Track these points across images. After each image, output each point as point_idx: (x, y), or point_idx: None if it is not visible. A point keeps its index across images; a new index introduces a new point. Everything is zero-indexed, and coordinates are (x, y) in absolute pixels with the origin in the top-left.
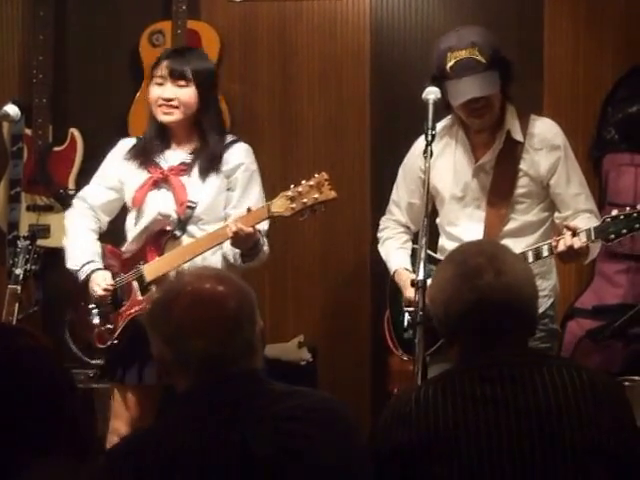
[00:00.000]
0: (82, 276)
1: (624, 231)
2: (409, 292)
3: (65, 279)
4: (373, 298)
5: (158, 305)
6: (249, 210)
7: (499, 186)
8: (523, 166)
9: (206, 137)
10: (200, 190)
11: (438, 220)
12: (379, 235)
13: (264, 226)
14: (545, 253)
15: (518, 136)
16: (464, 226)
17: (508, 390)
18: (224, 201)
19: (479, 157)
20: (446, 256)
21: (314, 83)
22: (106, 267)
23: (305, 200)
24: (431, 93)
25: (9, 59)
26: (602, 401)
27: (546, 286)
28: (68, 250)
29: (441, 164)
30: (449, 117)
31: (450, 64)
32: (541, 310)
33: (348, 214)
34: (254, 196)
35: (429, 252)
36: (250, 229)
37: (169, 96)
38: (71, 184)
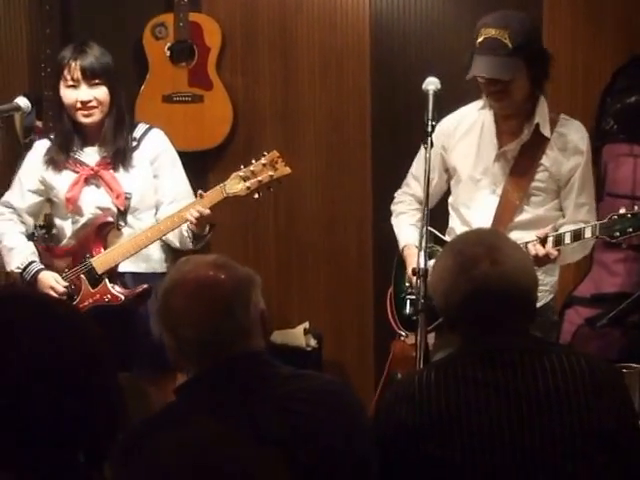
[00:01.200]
0: (27, 277)
1: (630, 230)
2: (410, 268)
3: None
4: (376, 284)
5: (160, 294)
6: (201, 195)
7: (518, 175)
8: (545, 161)
9: (119, 131)
10: (130, 181)
11: (451, 200)
12: (393, 208)
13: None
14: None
15: (546, 132)
16: (476, 209)
17: (508, 375)
18: (153, 188)
19: (503, 144)
20: (446, 245)
21: (315, 74)
22: (46, 266)
23: (260, 178)
24: (431, 84)
25: (18, 53)
26: (601, 387)
27: (548, 281)
28: (4, 254)
29: (465, 144)
30: (482, 99)
31: (480, 39)
32: (542, 303)
33: (350, 203)
34: (180, 178)
35: (437, 233)
36: (209, 211)
37: (87, 98)
38: None
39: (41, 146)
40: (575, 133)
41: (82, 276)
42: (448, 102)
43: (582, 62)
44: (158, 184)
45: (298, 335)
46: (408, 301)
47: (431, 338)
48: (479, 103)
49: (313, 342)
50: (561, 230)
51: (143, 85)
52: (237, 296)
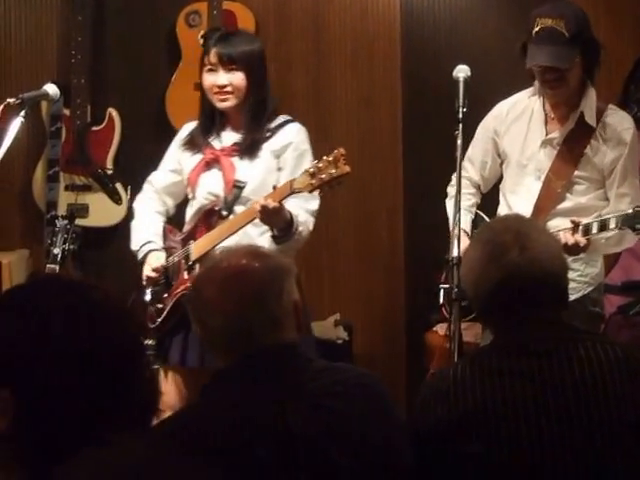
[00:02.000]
0: (140, 256)
1: None
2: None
3: (104, 259)
4: (408, 275)
5: (193, 283)
6: (274, 187)
7: (561, 163)
8: (589, 151)
9: (254, 118)
10: (249, 170)
11: (501, 185)
12: (448, 190)
13: (312, 206)
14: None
15: (591, 120)
16: (520, 195)
17: (544, 364)
18: (274, 181)
19: (550, 131)
20: (475, 234)
21: (346, 61)
22: (167, 248)
23: (323, 176)
24: (461, 71)
25: (48, 40)
26: (636, 376)
27: (589, 272)
28: (132, 232)
29: (515, 129)
30: (533, 86)
31: (536, 29)
32: (579, 295)
33: (381, 191)
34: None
35: (486, 218)
36: (276, 203)
37: (222, 82)
38: (109, 164)
39: (187, 127)
40: (620, 124)
41: (182, 261)
42: (478, 90)
43: (603, 51)
44: (281, 177)
45: (328, 327)
46: (442, 290)
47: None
48: (531, 90)
49: (344, 334)
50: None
51: (175, 73)
52: (269, 285)
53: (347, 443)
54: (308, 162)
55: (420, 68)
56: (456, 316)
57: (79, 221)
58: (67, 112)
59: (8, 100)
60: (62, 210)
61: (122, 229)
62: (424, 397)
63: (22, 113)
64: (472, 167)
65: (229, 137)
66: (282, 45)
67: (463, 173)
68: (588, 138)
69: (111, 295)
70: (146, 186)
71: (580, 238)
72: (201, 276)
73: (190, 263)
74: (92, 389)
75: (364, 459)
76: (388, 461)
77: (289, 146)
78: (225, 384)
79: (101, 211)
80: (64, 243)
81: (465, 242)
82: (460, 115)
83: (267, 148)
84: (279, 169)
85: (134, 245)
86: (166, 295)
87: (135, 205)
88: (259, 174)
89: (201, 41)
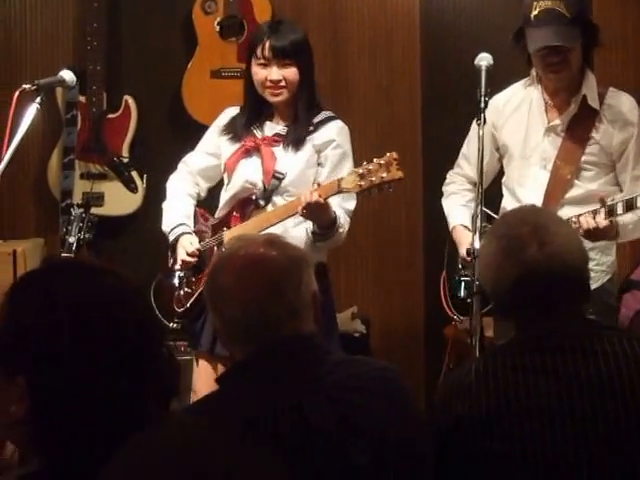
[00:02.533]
0: (171, 238)
1: None
2: (462, 248)
3: (119, 247)
4: (427, 268)
5: (211, 270)
6: (319, 185)
7: (568, 150)
8: (595, 134)
9: (300, 111)
10: (290, 161)
11: (504, 179)
12: (444, 189)
13: (350, 205)
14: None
15: (594, 103)
16: (528, 186)
17: (568, 360)
18: (313, 175)
19: (552, 118)
20: (490, 228)
21: (364, 49)
22: (197, 232)
23: (373, 179)
24: (483, 59)
25: (64, 26)
26: None
27: (605, 261)
28: (163, 213)
29: (514, 121)
30: (530, 76)
31: (535, 13)
32: (597, 285)
33: (400, 183)
34: (342, 173)
35: (490, 213)
36: (320, 199)
37: (277, 78)
38: (125, 152)
39: (228, 112)
40: (624, 105)
41: (215, 248)
42: (499, 78)
43: (632, 35)
44: (319, 173)
45: (345, 320)
46: (463, 283)
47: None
48: (527, 80)
49: (361, 327)
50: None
51: (191, 60)
52: (287, 275)
53: (365, 437)
54: (349, 162)
55: (440, 57)
56: (477, 310)
57: (94, 210)
58: (83, 99)
59: (24, 86)
60: (77, 199)
61: (138, 218)
62: (444, 393)
63: (38, 99)
64: (468, 164)
65: (272, 128)
66: None
67: (458, 170)
68: (593, 121)
69: (124, 278)
70: (181, 166)
71: (602, 220)
72: (218, 264)
73: (223, 250)
74: (107, 374)
75: (382, 454)
76: (407, 457)
77: (331, 143)
78: (242, 375)
79: (117, 200)
80: (79, 232)
81: (467, 237)
82: (482, 104)
83: (310, 142)
84: (319, 164)
85: (165, 226)
86: (195, 280)
87: (168, 185)
88: (299, 166)
89: (217, 28)
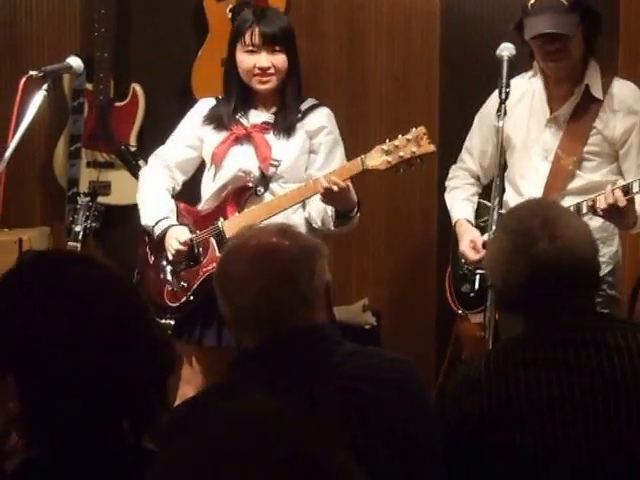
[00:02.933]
0: (157, 232)
1: None
2: (464, 244)
3: (126, 237)
4: (440, 260)
5: (220, 258)
6: (344, 167)
7: (570, 140)
8: (598, 124)
9: (288, 99)
10: (284, 148)
11: (506, 173)
12: (447, 183)
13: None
14: (584, 210)
15: (597, 93)
16: (529, 179)
17: (581, 354)
18: (306, 162)
19: (555, 109)
20: (499, 223)
21: (382, 39)
22: (181, 225)
23: (402, 154)
24: (506, 50)
25: (70, 13)
26: None
27: (606, 252)
28: (142, 207)
29: (517, 112)
30: (532, 68)
31: (532, 1)
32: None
33: (414, 174)
34: (338, 160)
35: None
36: (344, 183)
37: (266, 65)
38: (132, 140)
39: (205, 103)
40: (628, 93)
41: (212, 239)
42: (521, 70)
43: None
44: (315, 160)
45: (356, 312)
46: (478, 276)
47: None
48: (529, 73)
49: (372, 320)
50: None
51: (202, 48)
52: (300, 265)
53: (376, 428)
54: (341, 147)
55: (460, 47)
56: (492, 303)
57: (101, 199)
58: (90, 87)
59: (30, 72)
60: (84, 187)
61: None
62: (454, 386)
63: (45, 86)
64: (470, 158)
65: (258, 116)
66: (314, 23)
67: (461, 165)
68: (596, 111)
69: (112, 270)
70: (154, 160)
71: (620, 195)
72: (229, 254)
73: (224, 240)
74: (95, 368)
75: (393, 444)
76: (418, 447)
77: (323, 129)
78: (252, 364)
79: (124, 188)
80: (86, 221)
81: (470, 231)
82: (503, 96)
83: (301, 128)
84: (312, 152)
85: (148, 220)
86: (190, 272)
87: (142, 180)
88: (294, 153)
89: (229, 15)
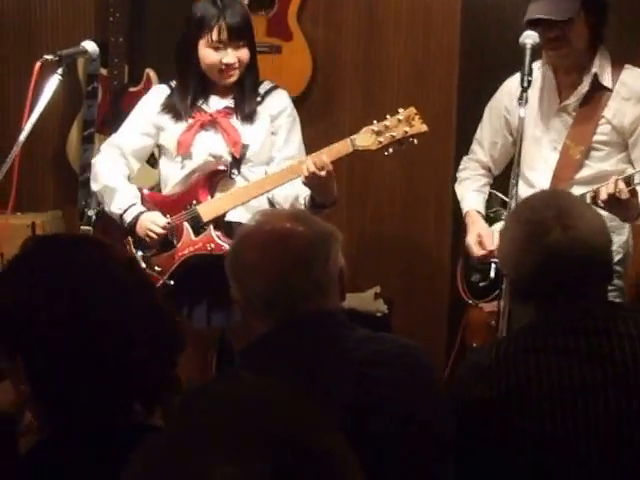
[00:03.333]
0: (128, 219)
1: None
2: (471, 238)
3: None
4: (453, 250)
5: (233, 243)
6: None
7: (578, 130)
8: (607, 113)
9: (248, 90)
10: (250, 132)
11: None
12: (458, 174)
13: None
14: (587, 201)
15: (606, 82)
16: (538, 169)
17: (593, 342)
18: (270, 144)
19: (564, 98)
20: (511, 213)
21: (401, 28)
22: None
23: (394, 134)
24: (529, 37)
25: None
26: None
27: (616, 241)
28: (106, 194)
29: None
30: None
31: None
32: None
33: (430, 167)
34: (297, 141)
35: (502, 196)
36: (330, 165)
37: (232, 61)
38: None
39: (159, 91)
40: (639, 81)
41: (185, 223)
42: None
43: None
44: (275, 141)
45: (368, 300)
46: (493, 265)
47: None
48: (541, 62)
49: (383, 307)
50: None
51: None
52: (315, 250)
53: (388, 413)
54: (299, 128)
55: (481, 34)
56: (505, 292)
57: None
58: (104, 72)
59: (45, 57)
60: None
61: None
62: (464, 374)
63: (59, 71)
64: (481, 149)
65: (218, 102)
66: (332, 9)
67: (472, 156)
68: (605, 100)
69: (116, 252)
70: (107, 148)
71: (622, 186)
72: (242, 238)
73: (201, 224)
74: (99, 348)
75: (405, 430)
76: (429, 433)
77: (284, 111)
78: (265, 349)
79: (136, 174)
80: (98, 205)
81: (477, 224)
82: (525, 84)
83: (264, 112)
84: (273, 133)
85: (115, 208)
86: (163, 257)
87: (100, 168)
88: (261, 137)
89: (246, 1)
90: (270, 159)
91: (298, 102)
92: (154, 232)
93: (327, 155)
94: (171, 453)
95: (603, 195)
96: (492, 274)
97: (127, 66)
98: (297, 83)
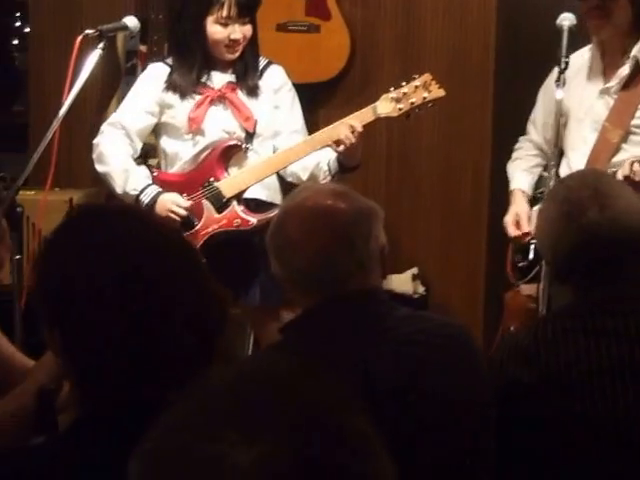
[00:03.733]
0: (146, 199)
1: None
2: (509, 217)
3: None
4: (491, 233)
5: (275, 219)
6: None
7: (618, 113)
8: None
9: (250, 64)
10: (256, 107)
11: (562, 144)
12: (513, 154)
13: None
14: None
15: None
16: (578, 150)
17: (630, 323)
18: (274, 118)
19: (608, 80)
20: (548, 193)
21: (438, 8)
22: None
23: (413, 100)
24: (566, 19)
25: None
26: None
27: None
28: (117, 175)
29: (575, 83)
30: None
31: None
32: None
33: (468, 145)
34: (300, 115)
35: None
36: (361, 128)
37: (239, 37)
38: None
39: (158, 69)
40: None
41: (204, 201)
42: (583, 40)
43: None
44: (278, 115)
45: (405, 281)
46: (532, 246)
47: None
48: (592, 44)
49: (421, 289)
50: None
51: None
52: (357, 227)
53: (430, 392)
54: (298, 101)
55: (518, 15)
56: (545, 273)
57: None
58: (143, 49)
59: (86, 31)
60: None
61: None
62: (503, 355)
63: (100, 45)
64: (534, 130)
65: (221, 77)
66: None
67: (527, 136)
68: None
69: (161, 225)
70: (109, 129)
71: (638, 167)
72: (284, 215)
73: (224, 200)
74: (138, 323)
75: (444, 410)
76: (472, 413)
77: (285, 86)
78: (307, 325)
79: None
80: None
81: (518, 204)
82: (562, 65)
83: (265, 86)
84: (275, 107)
85: (131, 189)
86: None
87: (105, 149)
88: (267, 110)
89: None
90: (275, 133)
91: (336, 82)
92: (176, 212)
93: (357, 122)
94: (186, 433)
95: (619, 177)
96: (531, 255)
97: (167, 43)
98: (335, 63)
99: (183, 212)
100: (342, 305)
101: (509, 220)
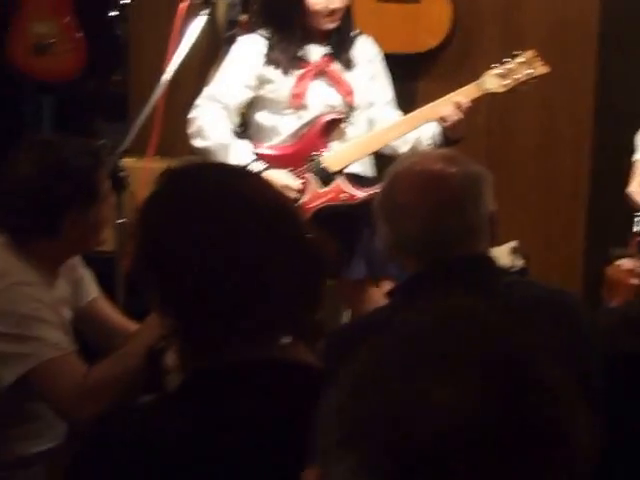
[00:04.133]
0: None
1: None
2: (634, 186)
3: None
4: (590, 203)
5: (385, 185)
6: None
7: None
8: None
9: (346, 32)
10: (353, 79)
11: None
12: None
13: None
14: None
15: None
16: None
17: None
18: (369, 89)
19: None
20: None
21: None
22: None
23: (518, 76)
24: None
25: None
26: None
27: None
28: (219, 151)
29: None
30: None
31: None
32: None
33: (568, 120)
34: (390, 86)
35: None
36: (470, 102)
37: (339, 6)
38: None
39: (255, 42)
40: None
41: (308, 175)
42: None
43: None
44: (373, 86)
45: (503, 253)
46: (636, 219)
47: None
48: None
49: (520, 262)
50: None
51: None
52: (468, 192)
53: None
54: (388, 72)
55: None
56: None
57: None
58: (244, 18)
59: None
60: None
61: None
62: (612, 323)
63: (206, 11)
64: None
65: (317, 50)
66: None
67: None
68: None
69: (260, 181)
70: (208, 103)
71: None
72: (393, 180)
73: (330, 174)
74: (242, 278)
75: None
76: (582, 381)
77: (378, 56)
78: (414, 289)
79: None
80: None
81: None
82: None
83: (359, 57)
84: (370, 77)
85: (238, 161)
86: None
87: (204, 122)
88: (363, 82)
89: None
90: (370, 104)
91: (436, 53)
92: (291, 186)
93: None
94: (394, 372)
95: None
96: (635, 228)
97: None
98: (435, 34)
99: (298, 185)
100: (451, 270)
101: (636, 188)
